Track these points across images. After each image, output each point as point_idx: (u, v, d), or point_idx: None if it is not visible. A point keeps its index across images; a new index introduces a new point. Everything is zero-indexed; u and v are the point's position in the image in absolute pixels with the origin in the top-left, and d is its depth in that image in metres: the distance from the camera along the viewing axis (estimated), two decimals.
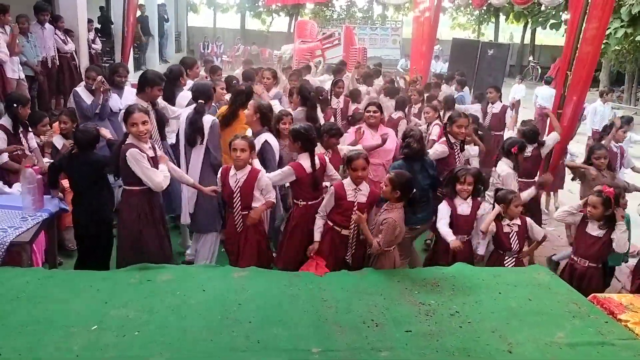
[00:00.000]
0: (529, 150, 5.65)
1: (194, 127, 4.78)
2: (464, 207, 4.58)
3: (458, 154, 5.35)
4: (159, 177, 4.06)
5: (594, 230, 4.35)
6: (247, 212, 4.22)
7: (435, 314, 3.30)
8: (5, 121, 5.28)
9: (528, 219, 4.60)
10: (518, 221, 4.51)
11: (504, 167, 5.19)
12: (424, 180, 4.87)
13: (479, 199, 4.71)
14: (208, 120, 4.86)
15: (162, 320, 3.06)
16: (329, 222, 4.26)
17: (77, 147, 4.35)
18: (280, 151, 4.95)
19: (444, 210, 4.56)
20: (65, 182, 5.26)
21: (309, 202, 4.40)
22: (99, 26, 13.29)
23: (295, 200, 4.52)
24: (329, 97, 7.72)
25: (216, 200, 4.79)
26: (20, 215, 4.16)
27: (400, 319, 3.21)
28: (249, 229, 4.25)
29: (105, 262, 4.38)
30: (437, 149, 5.31)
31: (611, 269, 4.91)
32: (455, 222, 4.54)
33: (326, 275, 3.81)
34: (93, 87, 5.77)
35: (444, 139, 5.44)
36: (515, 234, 4.48)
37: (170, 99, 5.81)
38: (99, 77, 5.75)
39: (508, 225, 4.49)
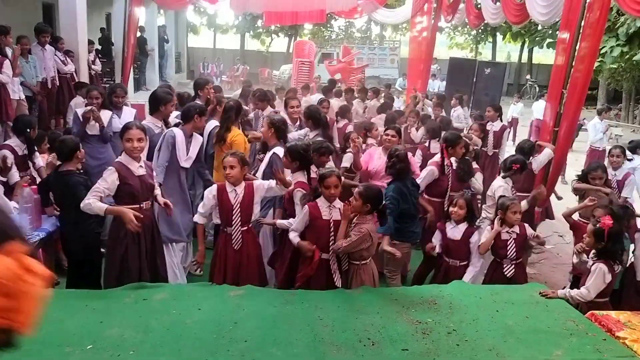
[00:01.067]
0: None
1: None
2: (454, 231, 4.57)
3: (449, 175, 5.37)
4: (86, 199, 3.86)
5: (589, 261, 3.95)
6: (246, 228, 4.18)
7: (432, 332, 3.28)
8: (14, 142, 5.29)
9: (528, 228, 4.58)
10: (517, 229, 4.49)
11: (499, 182, 5.24)
12: (415, 196, 4.96)
13: (474, 225, 4.69)
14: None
15: (157, 339, 3.04)
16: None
17: (57, 157, 4.40)
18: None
19: (436, 233, 4.71)
20: None
21: None
22: (99, 47, 13.42)
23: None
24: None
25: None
26: None
27: (396, 337, 3.20)
28: (248, 246, 4.22)
29: (95, 280, 4.31)
30: (424, 174, 5.37)
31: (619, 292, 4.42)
32: (445, 245, 4.59)
33: (322, 294, 3.79)
34: (82, 114, 5.76)
35: (435, 159, 5.46)
36: (513, 241, 4.45)
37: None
38: (89, 107, 5.77)
39: (507, 232, 4.47)
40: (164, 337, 3.07)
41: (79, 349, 2.91)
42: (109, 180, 3.87)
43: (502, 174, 5.33)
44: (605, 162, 6.15)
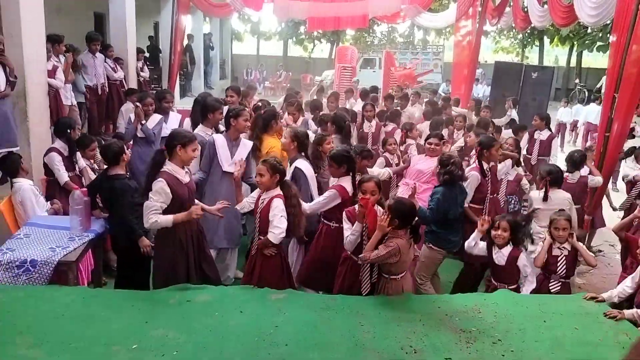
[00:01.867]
0: (575, 176, 5.66)
1: None
2: (499, 256, 4.31)
3: (489, 180, 5.33)
4: (150, 219, 3.90)
5: None
6: (261, 238, 4.16)
7: (477, 341, 3.21)
8: (58, 144, 5.55)
9: (580, 245, 4.38)
10: (568, 246, 4.31)
11: (534, 194, 5.17)
12: (462, 203, 4.87)
13: (518, 248, 4.37)
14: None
15: (200, 340, 3.09)
16: (347, 252, 4.13)
17: (104, 161, 4.55)
18: (317, 176, 5.00)
19: (474, 234, 4.46)
20: None
21: (341, 225, 4.36)
22: (147, 54, 13.81)
23: (327, 222, 4.52)
24: (362, 121, 7.78)
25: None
26: (68, 236, 4.31)
27: (439, 346, 3.14)
28: (263, 253, 4.15)
29: (144, 281, 4.41)
30: (469, 182, 5.22)
31: None
32: (493, 269, 4.38)
33: (363, 299, 3.77)
34: (134, 115, 6.03)
35: (475, 165, 5.38)
36: (564, 257, 4.28)
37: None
38: (138, 107, 6.02)
39: (558, 248, 4.31)
40: (206, 339, 3.11)
41: (125, 347, 2.98)
42: (163, 193, 3.88)
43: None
44: None
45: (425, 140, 6.08)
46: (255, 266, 4.12)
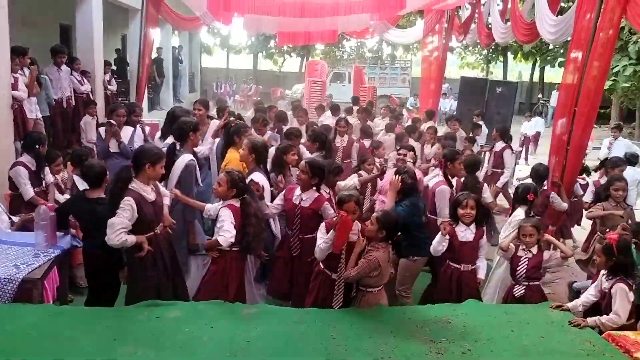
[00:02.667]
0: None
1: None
2: (467, 233, 4.46)
3: (454, 192, 5.33)
4: (118, 237, 3.80)
5: (603, 282, 3.86)
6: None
7: (447, 352, 3.25)
8: (25, 159, 5.44)
9: (546, 252, 4.47)
10: (534, 251, 4.39)
11: (518, 213, 5.13)
12: (423, 211, 5.02)
13: (482, 226, 4.61)
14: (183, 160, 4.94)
15: (170, 357, 3.06)
16: (320, 265, 4.16)
17: (85, 181, 4.43)
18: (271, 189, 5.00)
19: (438, 236, 4.47)
20: None
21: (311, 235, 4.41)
22: (114, 67, 13.64)
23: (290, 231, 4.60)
24: (334, 135, 7.85)
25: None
26: (33, 252, 4.19)
27: (410, 357, 3.17)
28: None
29: (112, 301, 4.35)
30: (441, 196, 5.25)
31: None
32: (459, 250, 4.44)
33: (335, 312, 3.79)
34: (106, 129, 5.97)
35: (440, 179, 5.39)
36: (526, 260, 4.35)
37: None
38: (113, 123, 5.98)
39: (523, 250, 4.39)
40: (176, 355, 3.07)
41: None
42: (129, 211, 3.79)
43: (517, 205, 5.21)
44: None
45: (397, 151, 6.15)
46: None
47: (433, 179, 5.55)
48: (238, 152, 5.42)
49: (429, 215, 5.36)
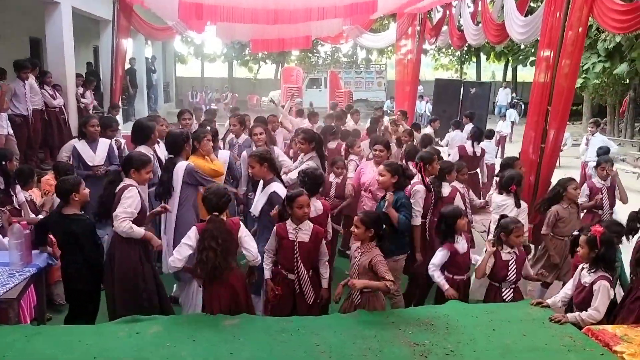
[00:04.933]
0: None
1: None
2: (463, 243, 4.54)
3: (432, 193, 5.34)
4: (125, 224, 4.09)
5: (584, 276, 3.91)
6: None
7: (430, 354, 3.26)
8: None
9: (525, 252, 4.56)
10: (516, 249, 4.43)
11: (501, 198, 5.29)
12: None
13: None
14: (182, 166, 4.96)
15: None
16: (277, 266, 4.23)
17: (57, 196, 4.40)
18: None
19: (441, 256, 4.45)
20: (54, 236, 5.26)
21: None
22: (91, 79, 13.46)
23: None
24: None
25: None
26: (8, 272, 4.10)
27: None
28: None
29: (93, 316, 4.33)
30: (419, 196, 5.21)
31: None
32: (458, 262, 4.48)
33: (318, 319, 3.78)
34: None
35: (417, 180, 5.29)
36: (514, 261, 4.37)
37: None
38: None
39: (508, 252, 4.39)
40: None
41: None
42: (132, 198, 4.08)
43: (499, 191, 5.37)
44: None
45: (371, 147, 6.14)
46: None
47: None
48: (201, 159, 5.38)
49: None
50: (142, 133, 5.73)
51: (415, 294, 5.17)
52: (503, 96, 21.76)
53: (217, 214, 3.93)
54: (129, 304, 4.11)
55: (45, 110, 9.00)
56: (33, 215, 5.35)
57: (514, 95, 28.75)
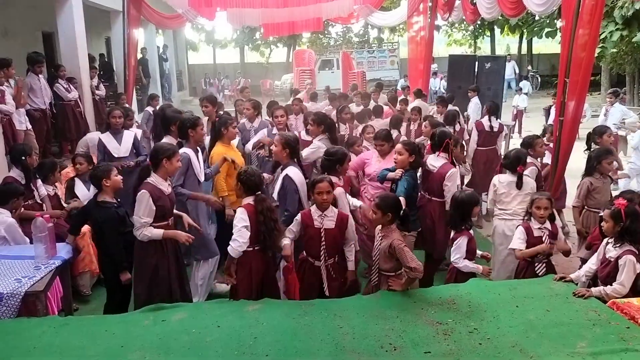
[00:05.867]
0: None
1: None
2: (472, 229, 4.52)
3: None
4: (142, 231, 4.10)
5: (608, 251, 3.85)
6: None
7: (454, 332, 3.26)
8: (14, 173, 5.37)
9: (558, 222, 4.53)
10: (549, 225, 4.42)
11: (504, 176, 5.19)
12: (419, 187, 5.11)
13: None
14: None
15: (179, 359, 3.05)
16: (303, 253, 4.25)
17: (92, 184, 4.55)
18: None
19: (463, 246, 4.37)
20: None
21: None
22: (101, 72, 13.53)
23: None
24: (337, 124, 7.75)
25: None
26: (34, 265, 4.19)
27: (418, 340, 3.18)
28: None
29: (124, 306, 4.41)
30: (454, 177, 5.15)
31: None
32: (472, 248, 4.43)
33: (340, 301, 3.78)
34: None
35: (445, 160, 5.21)
36: (547, 237, 4.37)
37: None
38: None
39: (539, 228, 4.38)
40: (185, 357, 3.07)
41: None
42: (147, 205, 4.04)
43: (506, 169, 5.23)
44: None
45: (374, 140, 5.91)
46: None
47: (437, 161, 5.38)
48: (224, 146, 5.45)
49: (427, 196, 5.30)
50: (166, 124, 5.67)
51: (430, 270, 5.14)
52: (509, 69, 21.30)
53: (259, 192, 4.12)
54: (147, 297, 4.18)
55: (62, 103, 9.08)
56: (55, 210, 5.43)
57: (529, 68, 28.31)
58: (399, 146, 5.00)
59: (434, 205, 5.17)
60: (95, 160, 6.18)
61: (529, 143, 6.01)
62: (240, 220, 3.96)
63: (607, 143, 5.98)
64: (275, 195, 4.74)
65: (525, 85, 16.29)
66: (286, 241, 4.13)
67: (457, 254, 4.38)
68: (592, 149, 5.80)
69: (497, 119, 8.08)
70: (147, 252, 4.19)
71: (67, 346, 3.22)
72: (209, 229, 5.34)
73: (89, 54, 10.97)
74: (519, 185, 5.04)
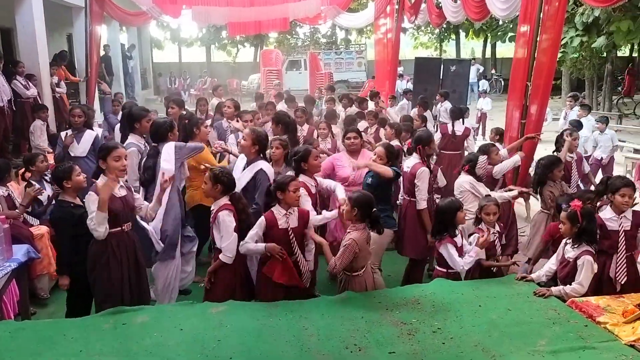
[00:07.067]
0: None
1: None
2: (459, 237, 4.36)
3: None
4: (93, 228, 3.84)
5: (567, 251, 3.94)
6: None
7: (418, 332, 3.29)
8: None
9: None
10: (497, 227, 4.58)
11: (463, 178, 5.29)
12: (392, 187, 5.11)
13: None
14: None
15: None
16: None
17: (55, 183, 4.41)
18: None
19: (453, 252, 4.21)
20: (35, 229, 5.17)
21: None
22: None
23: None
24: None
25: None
26: None
27: (382, 340, 3.19)
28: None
29: (87, 308, 4.24)
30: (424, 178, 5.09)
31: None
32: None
33: (305, 303, 3.76)
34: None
35: (417, 161, 5.13)
36: (497, 239, 4.52)
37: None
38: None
39: (492, 233, 4.44)
40: None
41: None
42: (92, 206, 3.79)
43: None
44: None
45: (344, 137, 5.83)
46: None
47: (410, 161, 5.35)
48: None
49: (407, 198, 5.23)
50: (131, 121, 5.45)
51: (417, 277, 5.08)
52: (473, 72, 21.64)
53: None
54: (103, 301, 4.00)
55: (20, 101, 8.81)
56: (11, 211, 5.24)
57: (493, 71, 28.87)
58: (379, 149, 4.93)
59: (412, 205, 5.12)
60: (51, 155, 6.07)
61: (485, 151, 5.86)
62: (230, 225, 3.94)
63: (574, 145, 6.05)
64: (240, 187, 4.59)
65: (484, 84, 16.61)
66: (259, 246, 3.98)
67: (455, 263, 4.18)
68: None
69: (462, 123, 8.15)
70: (98, 255, 3.97)
71: (24, 351, 3.11)
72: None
73: (62, 51, 10.68)
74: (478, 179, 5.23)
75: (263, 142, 4.84)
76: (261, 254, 4.04)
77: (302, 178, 4.59)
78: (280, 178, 4.16)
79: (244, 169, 4.84)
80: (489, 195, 4.93)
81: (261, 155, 4.87)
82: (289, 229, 4.02)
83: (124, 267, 4.04)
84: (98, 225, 3.77)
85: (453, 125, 8.03)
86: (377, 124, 8.10)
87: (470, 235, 4.58)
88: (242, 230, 4.02)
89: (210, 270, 4.06)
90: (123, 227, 4.02)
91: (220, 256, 3.96)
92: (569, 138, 5.86)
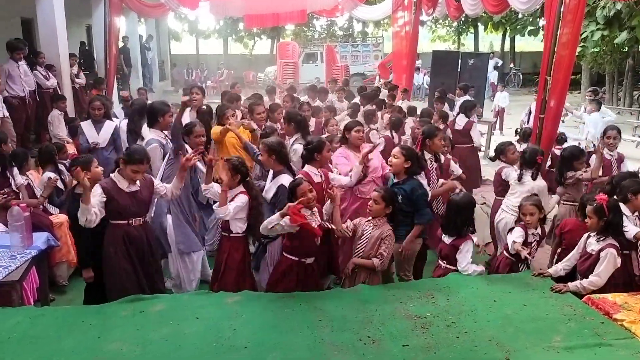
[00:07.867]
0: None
1: None
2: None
3: (432, 169, 5.25)
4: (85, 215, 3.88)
5: (590, 245, 3.90)
6: (226, 234, 4.23)
7: (432, 326, 3.29)
8: None
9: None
10: (539, 230, 4.38)
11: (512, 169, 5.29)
12: None
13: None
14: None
15: (156, 351, 3.03)
16: (292, 257, 4.01)
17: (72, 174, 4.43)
18: None
19: (469, 252, 4.15)
20: (54, 218, 5.25)
21: None
22: (81, 60, 13.31)
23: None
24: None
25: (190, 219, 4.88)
26: (9, 254, 4.11)
27: (396, 333, 3.20)
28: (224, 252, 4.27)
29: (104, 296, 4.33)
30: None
31: None
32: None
33: (319, 294, 3.80)
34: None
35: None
36: (536, 243, 4.36)
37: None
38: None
39: (532, 235, 4.33)
40: (163, 349, 3.05)
41: None
42: (96, 197, 3.95)
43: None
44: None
45: (351, 130, 5.43)
46: (219, 264, 4.22)
47: None
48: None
49: None
50: (153, 116, 5.39)
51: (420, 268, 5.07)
52: (490, 66, 21.40)
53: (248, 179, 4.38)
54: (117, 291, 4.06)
55: (40, 91, 8.91)
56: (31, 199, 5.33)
57: (511, 66, 28.54)
58: (396, 150, 4.72)
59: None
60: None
61: (501, 150, 5.74)
62: (239, 204, 4.11)
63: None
64: (268, 198, 4.55)
65: (494, 75, 16.56)
66: (276, 215, 3.88)
67: (465, 261, 4.09)
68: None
69: (468, 117, 8.02)
70: (106, 246, 4.11)
71: (43, 337, 3.17)
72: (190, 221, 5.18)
73: (70, 52, 10.77)
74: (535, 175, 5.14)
75: (277, 149, 4.58)
76: (280, 220, 3.80)
77: (307, 168, 4.59)
78: (290, 184, 4.11)
79: (272, 180, 4.65)
80: (535, 195, 4.74)
81: (284, 163, 4.64)
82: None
83: (133, 259, 4.14)
84: (81, 214, 3.87)
85: (455, 119, 8.06)
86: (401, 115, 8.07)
87: (509, 230, 4.51)
88: (250, 217, 4.17)
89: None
90: (130, 222, 4.12)
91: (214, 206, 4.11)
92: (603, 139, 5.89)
